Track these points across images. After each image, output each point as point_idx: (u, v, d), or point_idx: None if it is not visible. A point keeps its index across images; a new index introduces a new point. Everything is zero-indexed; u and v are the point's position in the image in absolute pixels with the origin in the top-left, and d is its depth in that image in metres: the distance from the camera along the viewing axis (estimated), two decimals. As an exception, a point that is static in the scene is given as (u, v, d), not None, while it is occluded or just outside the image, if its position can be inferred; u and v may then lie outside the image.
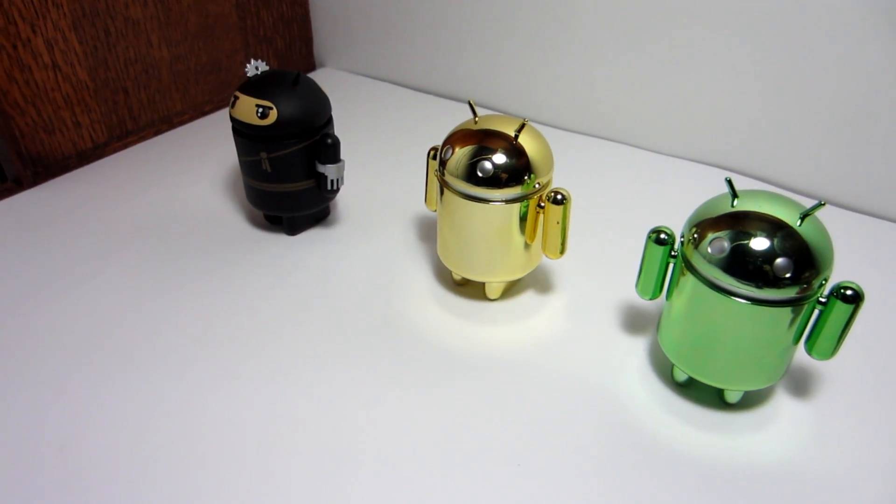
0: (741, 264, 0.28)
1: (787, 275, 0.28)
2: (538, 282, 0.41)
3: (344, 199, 0.49)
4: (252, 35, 0.62)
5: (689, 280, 0.31)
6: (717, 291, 0.29)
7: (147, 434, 0.31)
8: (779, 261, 0.28)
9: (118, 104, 0.53)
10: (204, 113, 0.60)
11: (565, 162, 0.53)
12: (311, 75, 0.69)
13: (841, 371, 0.35)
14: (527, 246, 0.37)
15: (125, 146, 0.55)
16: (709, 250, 0.29)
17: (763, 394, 0.34)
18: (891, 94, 0.44)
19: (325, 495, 0.28)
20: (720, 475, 0.30)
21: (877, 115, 0.45)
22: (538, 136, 0.36)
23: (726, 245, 0.29)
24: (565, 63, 0.56)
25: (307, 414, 0.32)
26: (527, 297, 0.40)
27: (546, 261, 0.43)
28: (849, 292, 0.29)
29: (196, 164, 0.53)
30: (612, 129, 0.57)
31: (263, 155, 0.40)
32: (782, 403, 0.33)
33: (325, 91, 0.43)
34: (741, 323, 0.30)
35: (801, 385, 0.34)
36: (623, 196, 0.49)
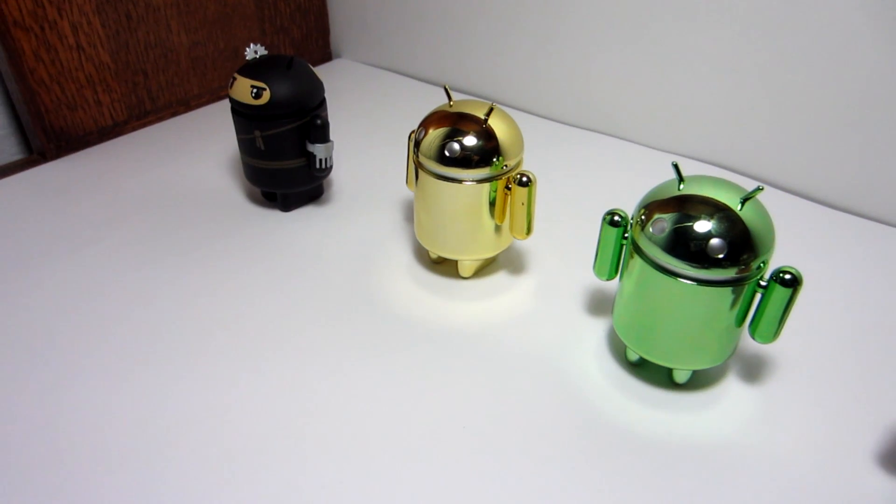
0: (681, 245, 0.29)
1: (721, 255, 0.29)
2: (511, 262, 0.43)
3: (340, 181, 0.51)
4: (269, 24, 0.65)
5: (636, 261, 0.32)
6: (661, 272, 0.30)
7: (125, 382, 0.34)
8: (713, 241, 0.29)
9: (138, 85, 0.57)
10: (220, 97, 0.63)
11: (560, 153, 0.55)
12: (327, 65, 0.72)
13: (787, 355, 0.36)
14: (497, 226, 0.39)
15: (143, 125, 0.58)
16: (651, 231, 0.30)
17: (711, 376, 0.35)
18: (875, 91, 0.44)
19: (284, 454, 0.31)
20: (664, 451, 0.31)
21: (861, 113, 0.45)
22: (508, 120, 0.38)
23: (667, 226, 0.30)
24: (571, 58, 0.57)
25: (276, 377, 0.34)
26: (499, 277, 0.42)
27: (521, 244, 0.44)
28: (787, 276, 0.30)
29: (207, 144, 0.56)
30: (609, 124, 0.58)
31: (257, 133, 0.43)
32: (729, 385, 0.34)
33: (319, 76, 0.45)
34: (683, 303, 0.31)
35: (748, 368, 0.35)
36: (603, 184, 0.50)
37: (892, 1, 0.41)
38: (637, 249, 0.32)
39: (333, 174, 0.52)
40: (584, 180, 0.51)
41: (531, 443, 0.31)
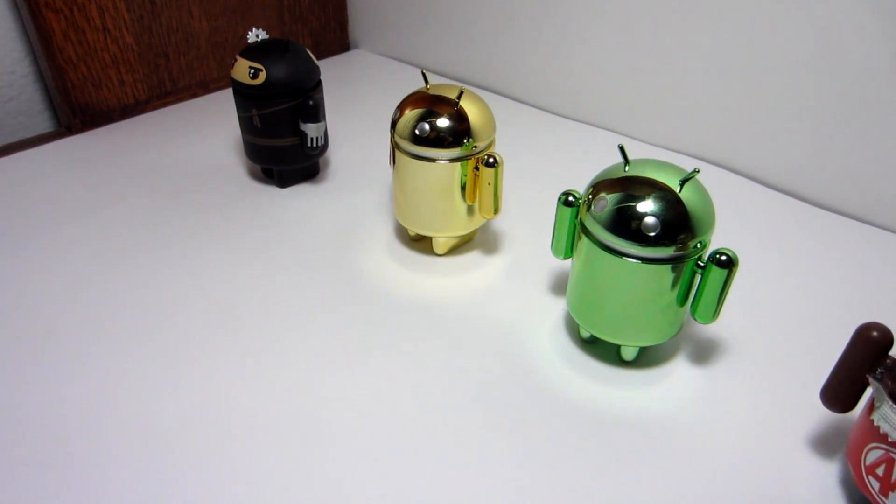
0: (621, 223, 0.31)
1: (654, 233, 0.30)
2: (486, 243, 0.45)
3: (338, 162, 0.54)
4: (288, 14, 0.68)
5: (584, 240, 0.33)
6: (604, 250, 0.32)
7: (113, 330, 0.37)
8: (647, 219, 0.30)
9: (159, 67, 0.61)
10: (238, 81, 0.67)
11: (554, 145, 0.56)
12: (344, 56, 0.75)
13: (735, 338, 0.37)
14: (469, 206, 0.41)
15: (164, 105, 0.62)
16: (594, 209, 0.32)
17: (660, 355, 0.36)
18: (863, 89, 0.44)
19: (250, 407, 0.33)
20: (607, 423, 0.32)
21: (848, 110, 0.45)
22: (480, 103, 0.39)
23: (607, 204, 0.31)
24: (583, 55, 0.58)
25: (250, 337, 0.37)
26: (472, 255, 0.44)
27: (498, 226, 0.46)
28: (723, 258, 0.31)
29: (220, 125, 0.59)
30: (603, 117, 0.59)
31: (254, 112, 0.46)
32: (676, 365, 0.35)
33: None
34: (626, 280, 0.32)
35: (697, 350, 0.36)
36: (585, 173, 0.51)
37: (876, -1, 0.41)
38: (584, 228, 0.33)
39: (332, 155, 0.55)
40: (559, 166, 0.52)
41: (480, 409, 0.33)
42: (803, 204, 0.49)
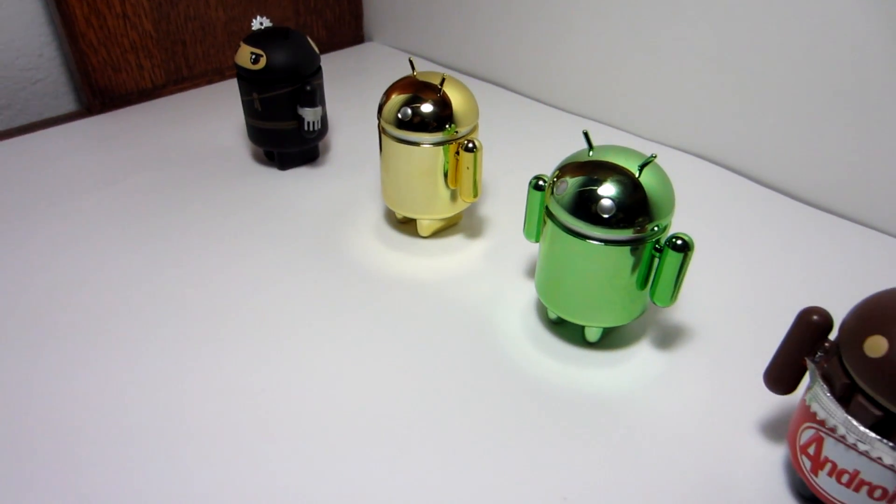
0: (580, 206, 0.32)
1: (608, 215, 0.31)
2: (470, 227, 0.46)
3: (338, 148, 0.56)
4: (303, 5, 0.70)
5: (549, 223, 0.34)
6: (566, 231, 0.33)
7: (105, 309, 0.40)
8: (603, 202, 0.31)
9: (176, 54, 0.63)
10: (253, 69, 0.69)
11: (546, 136, 0.58)
12: (358, 48, 0.77)
13: (699, 324, 0.38)
14: (451, 189, 0.42)
15: (180, 90, 0.65)
16: (555, 192, 0.33)
17: (624, 338, 0.37)
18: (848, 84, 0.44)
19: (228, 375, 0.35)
20: (568, 401, 0.33)
21: (835, 106, 0.45)
22: (463, 90, 0.41)
23: (568, 187, 0.32)
24: (595, 50, 0.59)
25: (230, 310, 0.39)
26: (456, 239, 0.45)
27: (485, 210, 0.47)
28: (679, 242, 0.31)
29: (232, 110, 0.61)
30: (600, 110, 0.59)
31: (255, 95, 0.48)
32: (640, 348, 0.36)
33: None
34: (586, 261, 0.33)
35: (661, 335, 0.37)
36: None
37: (864, -4, 0.42)
38: (548, 212, 0.34)
39: (334, 141, 0.57)
40: (546, 155, 0.53)
41: (448, 384, 0.34)
42: (778, 195, 0.49)
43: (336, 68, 0.71)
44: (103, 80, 0.60)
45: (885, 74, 0.43)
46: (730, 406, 0.33)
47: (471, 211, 0.48)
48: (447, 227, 0.46)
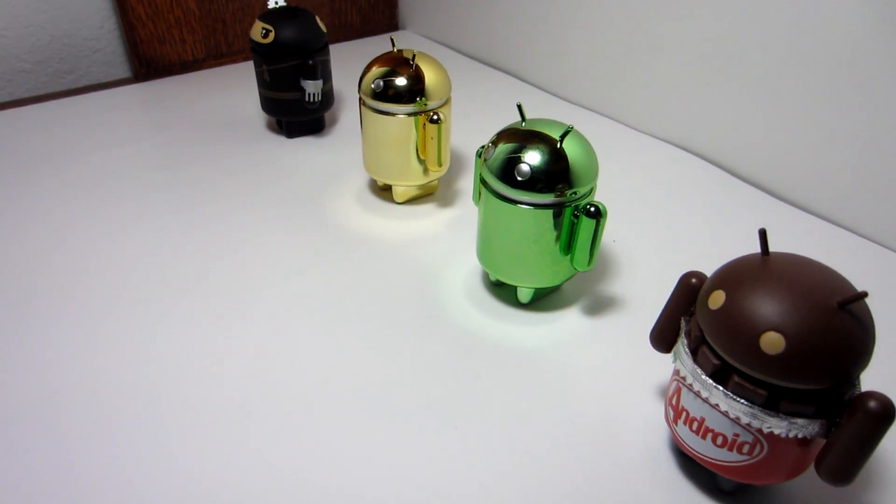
0: (506, 170, 0.35)
1: (522, 178, 0.34)
2: (444, 197, 0.49)
3: (344, 122, 0.60)
4: (338, -8, 0.75)
5: (483, 188, 0.37)
6: (495, 196, 0.36)
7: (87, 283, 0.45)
8: (520, 165, 0.34)
9: (217, 31, 0.70)
10: (288, 50, 0.75)
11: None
12: (390, 35, 0.81)
13: (627, 293, 0.40)
14: (422, 160, 0.46)
15: (219, 64, 0.71)
16: (484, 157, 0.36)
17: (555, 303, 0.39)
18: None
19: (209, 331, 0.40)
20: (498, 355, 0.36)
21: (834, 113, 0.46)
22: (436, 66, 0.44)
23: (493, 152, 0.35)
24: (619, 49, 0.62)
25: (212, 263, 0.44)
26: (427, 206, 0.48)
27: (462, 183, 0.50)
28: (592, 209, 0.34)
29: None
30: (606, 107, 0.61)
31: (264, 67, 0.53)
32: (568, 313, 0.39)
33: (321, 25, 0.54)
34: (511, 223, 0.36)
35: (592, 303, 0.39)
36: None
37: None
38: (482, 178, 0.37)
39: (342, 116, 0.61)
40: None
41: (393, 334, 0.37)
42: (732, 177, 0.50)
43: (367, 53, 0.75)
44: (149, 51, 0.67)
45: (885, 74, 0.43)
46: (636, 367, 0.35)
47: (447, 182, 0.51)
48: (422, 196, 0.49)
